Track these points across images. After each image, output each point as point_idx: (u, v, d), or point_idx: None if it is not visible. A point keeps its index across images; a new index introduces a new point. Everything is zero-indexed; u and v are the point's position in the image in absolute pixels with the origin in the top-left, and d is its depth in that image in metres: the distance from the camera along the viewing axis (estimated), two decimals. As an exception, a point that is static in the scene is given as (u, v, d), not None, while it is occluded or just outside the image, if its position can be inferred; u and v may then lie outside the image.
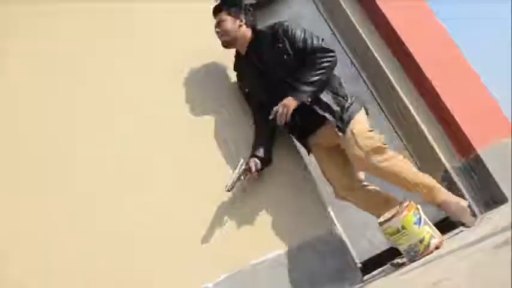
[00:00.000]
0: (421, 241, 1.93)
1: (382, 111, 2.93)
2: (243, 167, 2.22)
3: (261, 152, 2.26)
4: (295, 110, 2.15)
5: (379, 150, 2.06)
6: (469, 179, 2.66)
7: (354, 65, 3.02)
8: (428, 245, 1.92)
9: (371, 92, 2.96)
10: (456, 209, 2.07)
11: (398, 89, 2.84)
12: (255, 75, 2.32)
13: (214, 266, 2.16)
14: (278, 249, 2.23)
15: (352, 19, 2.99)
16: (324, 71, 2.14)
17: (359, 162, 2.10)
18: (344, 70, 2.95)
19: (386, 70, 2.89)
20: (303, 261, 2.22)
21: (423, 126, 2.77)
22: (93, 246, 2.13)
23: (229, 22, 2.32)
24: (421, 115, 2.80)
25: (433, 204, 2.13)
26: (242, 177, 2.21)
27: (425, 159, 2.79)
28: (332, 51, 2.19)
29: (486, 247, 1.31)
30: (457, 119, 2.68)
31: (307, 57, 2.17)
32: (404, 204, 1.98)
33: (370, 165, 2.07)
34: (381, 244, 2.64)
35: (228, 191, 2.18)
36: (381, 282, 1.91)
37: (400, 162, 2.11)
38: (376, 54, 2.93)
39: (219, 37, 2.36)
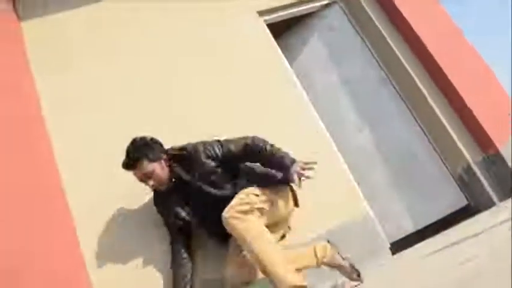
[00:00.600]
0: None
1: (409, 110, 3.22)
2: None
3: None
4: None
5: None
6: (489, 172, 2.96)
7: (382, 69, 3.32)
8: None
9: (398, 93, 3.26)
10: None
11: (424, 90, 3.15)
12: (181, 206, 2.28)
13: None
14: (315, 231, 2.50)
15: (380, 28, 3.32)
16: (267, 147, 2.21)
17: None
18: (375, 72, 3.29)
19: (411, 72, 3.20)
20: (338, 243, 2.50)
21: (446, 124, 3.08)
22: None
23: (158, 169, 2.22)
24: (444, 113, 3.10)
25: None
26: None
27: (448, 154, 3.08)
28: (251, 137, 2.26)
29: (504, 230, 1.56)
30: (477, 117, 2.97)
31: (245, 157, 2.23)
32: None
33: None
34: (407, 227, 2.95)
35: None
36: (409, 261, 2.16)
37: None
38: (401, 59, 3.24)
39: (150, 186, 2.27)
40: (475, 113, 3.00)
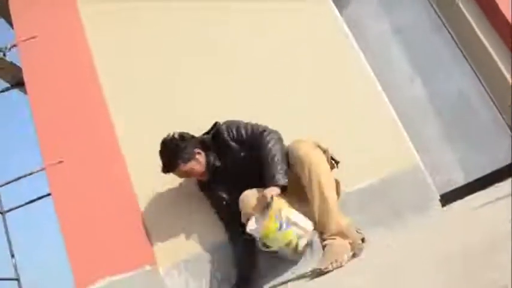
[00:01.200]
0: (287, 244, 2.01)
1: (465, 58, 3.08)
2: None
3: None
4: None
5: None
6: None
7: (437, 14, 3.16)
8: (296, 247, 2.01)
9: (453, 39, 3.12)
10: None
11: (482, 36, 2.99)
12: (225, 190, 2.36)
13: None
14: (366, 180, 2.56)
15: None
16: (278, 147, 2.18)
17: None
18: (428, 19, 3.15)
19: (468, 17, 3.04)
20: (388, 193, 2.56)
21: (505, 72, 2.92)
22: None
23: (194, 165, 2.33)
24: (503, 61, 2.94)
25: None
26: None
27: (505, 104, 2.95)
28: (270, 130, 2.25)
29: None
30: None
31: (256, 144, 2.21)
32: (266, 212, 1.99)
33: None
34: (458, 179, 2.92)
35: None
36: (459, 213, 2.16)
37: None
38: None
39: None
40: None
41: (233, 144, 2.29)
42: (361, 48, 3.00)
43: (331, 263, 1.85)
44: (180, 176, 2.40)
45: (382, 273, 1.24)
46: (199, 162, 2.33)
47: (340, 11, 3.14)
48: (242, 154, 2.28)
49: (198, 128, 2.49)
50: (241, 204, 2.17)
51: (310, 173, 2.02)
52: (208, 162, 2.35)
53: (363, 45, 3.06)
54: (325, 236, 2.01)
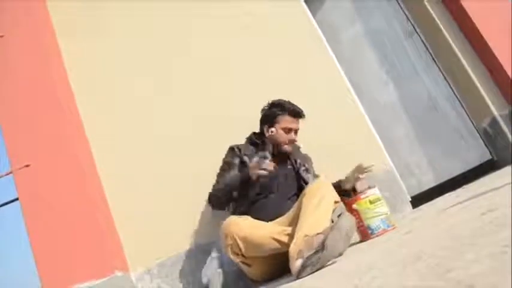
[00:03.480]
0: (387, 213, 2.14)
1: (435, 63, 3.15)
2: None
3: None
4: None
5: None
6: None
7: (409, 21, 3.23)
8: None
9: (424, 45, 3.18)
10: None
11: (451, 42, 3.06)
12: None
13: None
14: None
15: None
16: None
17: None
18: (401, 25, 3.21)
19: (439, 23, 3.11)
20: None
21: (473, 76, 3.00)
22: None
23: None
24: (471, 66, 3.01)
25: None
26: None
27: (474, 107, 3.03)
28: None
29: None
30: (505, 69, 2.89)
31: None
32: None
33: None
34: (429, 182, 2.97)
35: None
36: (429, 214, 2.19)
37: None
38: (429, 9, 3.14)
39: (289, 144, 2.42)
40: (503, 64, 2.92)
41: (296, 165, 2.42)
42: (334, 52, 3.03)
43: None
44: (294, 129, 2.45)
45: (352, 272, 1.25)
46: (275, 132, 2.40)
47: (314, 15, 3.17)
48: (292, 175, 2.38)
49: (176, 129, 2.48)
50: None
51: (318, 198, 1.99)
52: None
53: (336, 49, 3.09)
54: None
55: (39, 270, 2.30)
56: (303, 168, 2.43)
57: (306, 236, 1.77)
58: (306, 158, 2.52)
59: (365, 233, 2.15)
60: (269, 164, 2.14)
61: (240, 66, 2.86)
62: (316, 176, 2.41)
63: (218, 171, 2.40)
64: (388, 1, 3.29)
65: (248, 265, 2.12)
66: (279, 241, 2.00)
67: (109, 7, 3.01)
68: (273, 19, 2.97)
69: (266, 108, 2.50)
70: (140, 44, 2.93)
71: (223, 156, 2.42)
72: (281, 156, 2.43)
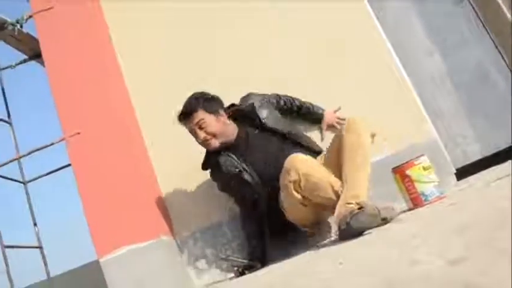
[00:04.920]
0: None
1: (486, 30, 3.01)
2: (245, 263, 2.28)
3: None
4: None
5: None
6: None
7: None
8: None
9: (474, 11, 3.04)
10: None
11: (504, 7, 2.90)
12: (243, 157, 2.29)
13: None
14: (384, 153, 2.56)
15: None
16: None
17: None
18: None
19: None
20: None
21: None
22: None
23: (213, 120, 2.29)
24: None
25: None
26: (236, 268, 2.28)
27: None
28: None
29: None
30: None
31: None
32: None
33: None
34: (475, 154, 2.90)
35: (222, 259, 2.38)
36: (474, 187, 2.18)
37: None
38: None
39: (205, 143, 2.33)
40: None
41: (265, 114, 2.34)
42: (379, 20, 2.95)
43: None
44: (191, 130, 2.32)
45: (399, 242, 1.26)
46: (218, 122, 2.29)
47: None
48: (268, 125, 2.32)
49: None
50: None
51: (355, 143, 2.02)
52: (239, 128, 2.36)
53: (381, 17, 3.01)
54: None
55: (92, 232, 2.45)
56: (265, 112, 2.36)
57: (348, 204, 1.81)
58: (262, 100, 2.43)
59: (418, 200, 2.13)
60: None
61: (291, 34, 2.82)
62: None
63: None
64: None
65: (304, 205, 2.08)
66: (333, 189, 1.98)
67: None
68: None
69: None
70: (188, 15, 2.92)
71: None
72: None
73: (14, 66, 3.43)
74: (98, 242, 2.45)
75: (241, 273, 2.22)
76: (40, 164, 3.41)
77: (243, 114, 2.36)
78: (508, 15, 2.91)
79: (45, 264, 3.33)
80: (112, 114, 2.64)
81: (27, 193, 3.33)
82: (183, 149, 2.65)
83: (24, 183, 3.34)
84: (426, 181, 2.13)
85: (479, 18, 3.04)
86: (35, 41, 3.20)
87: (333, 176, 2.04)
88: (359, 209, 1.76)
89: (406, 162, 2.21)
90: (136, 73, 2.86)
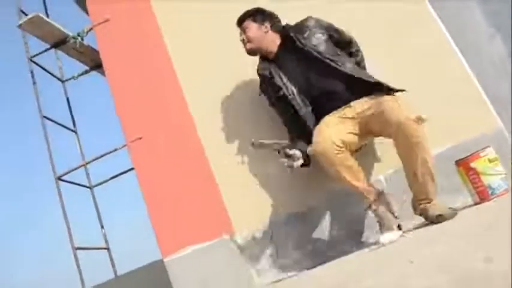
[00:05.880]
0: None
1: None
2: (283, 145, 2.25)
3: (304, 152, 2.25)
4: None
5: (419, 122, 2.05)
6: None
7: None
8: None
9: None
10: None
11: None
12: (290, 71, 2.36)
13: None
14: (446, 145, 2.48)
15: None
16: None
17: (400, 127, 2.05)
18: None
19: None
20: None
21: None
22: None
23: (254, 29, 2.44)
24: None
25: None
26: (277, 151, 2.26)
27: None
28: None
29: None
30: None
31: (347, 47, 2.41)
32: None
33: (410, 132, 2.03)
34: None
35: (252, 144, 2.22)
36: None
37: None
38: None
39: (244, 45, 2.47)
40: None
41: (318, 32, 2.36)
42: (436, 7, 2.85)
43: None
44: (239, 34, 2.50)
45: (470, 235, 1.22)
46: (259, 30, 2.44)
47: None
48: (321, 39, 2.35)
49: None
50: None
51: (417, 148, 2.04)
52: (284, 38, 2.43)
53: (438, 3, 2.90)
54: (422, 202, 2.08)
55: (156, 232, 2.54)
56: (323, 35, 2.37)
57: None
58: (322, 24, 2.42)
59: (484, 194, 2.06)
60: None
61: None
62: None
63: None
64: None
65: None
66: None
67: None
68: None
69: None
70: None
71: None
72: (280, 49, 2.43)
73: (77, 78, 3.63)
74: (162, 242, 2.54)
75: (287, 156, 2.22)
76: (105, 167, 3.58)
77: (286, 34, 2.42)
78: None
79: (113, 264, 3.50)
80: (170, 118, 2.73)
81: (93, 197, 3.51)
82: (240, 148, 2.69)
83: (90, 187, 3.52)
84: (492, 173, 2.04)
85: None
86: (95, 52, 3.36)
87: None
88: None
89: (471, 154, 2.12)
90: (190, 76, 2.91)
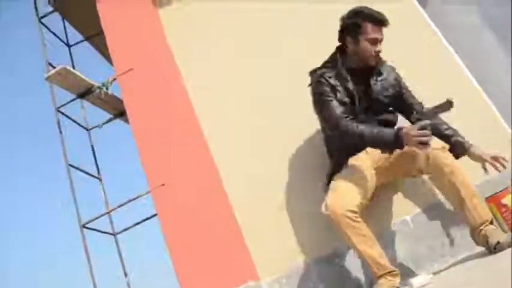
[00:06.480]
0: None
1: None
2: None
3: None
4: None
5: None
6: None
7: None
8: None
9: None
10: None
11: None
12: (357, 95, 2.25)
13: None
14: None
15: None
16: None
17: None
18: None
19: None
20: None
21: None
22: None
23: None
24: None
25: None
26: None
27: None
28: None
29: None
30: None
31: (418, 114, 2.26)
32: None
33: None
34: None
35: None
36: None
37: None
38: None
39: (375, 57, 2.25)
40: None
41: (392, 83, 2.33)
42: (450, 44, 2.86)
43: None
44: (375, 38, 2.23)
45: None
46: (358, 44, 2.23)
47: (423, 7, 3.02)
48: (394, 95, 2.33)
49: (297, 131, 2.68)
50: None
51: (453, 175, 2.04)
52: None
53: (452, 41, 2.92)
54: (481, 227, 2.01)
55: (180, 281, 2.51)
56: (405, 91, 2.36)
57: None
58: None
59: None
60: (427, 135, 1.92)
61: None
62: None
63: (319, 103, 2.27)
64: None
65: None
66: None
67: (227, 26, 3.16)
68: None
69: (346, 17, 2.27)
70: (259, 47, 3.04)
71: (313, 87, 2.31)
72: (364, 72, 2.27)
73: (101, 126, 3.72)
74: (186, 289, 2.50)
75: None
76: (129, 214, 3.60)
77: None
78: None
79: (137, 312, 3.44)
80: (193, 164, 2.75)
81: (117, 244, 3.51)
82: (262, 193, 2.67)
83: (114, 234, 3.53)
84: None
85: None
86: (118, 100, 3.45)
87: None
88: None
89: (500, 190, 2.06)
90: (213, 122, 2.95)
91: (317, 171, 2.60)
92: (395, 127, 2.21)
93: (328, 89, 2.23)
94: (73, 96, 3.52)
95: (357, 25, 2.21)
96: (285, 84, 2.88)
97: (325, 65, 2.36)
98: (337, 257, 2.50)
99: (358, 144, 2.23)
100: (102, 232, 3.39)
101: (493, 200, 2.08)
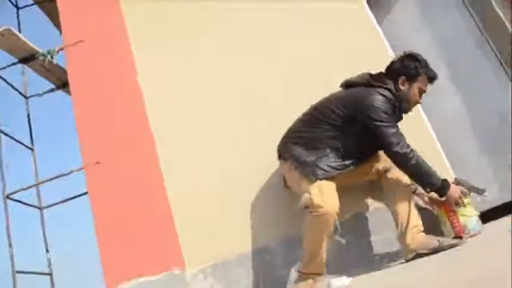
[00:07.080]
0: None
1: (506, 72, 3.00)
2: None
3: None
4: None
5: None
6: None
7: (479, 27, 3.08)
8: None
9: (495, 54, 3.03)
10: None
11: None
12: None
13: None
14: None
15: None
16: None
17: None
18: (470, 31, 3.07)
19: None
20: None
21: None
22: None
23: None
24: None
25: None
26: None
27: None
28: None
29: None
30: None
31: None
32: None
33: None
34: (495, 199, 2.82)
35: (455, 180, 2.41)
36: (496, 233, 2.10)
37: None
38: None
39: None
40: None
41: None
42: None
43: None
44: (422, 90, 2.43)
45: None
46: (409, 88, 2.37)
47: (379, 22, 3.11)
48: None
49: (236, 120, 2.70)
50: None
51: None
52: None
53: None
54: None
55: (103, 261, 2.44)
56: None
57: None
58: None
59: (460, 232, 2.30)
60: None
61: (301, 65, 2.87)
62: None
63: (384, 120, 2.28)
64: (457, 8, 3.15)
65: None
66: None
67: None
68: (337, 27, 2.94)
69: (407, 59, 2.39)
70: (212, 42, 3.00)
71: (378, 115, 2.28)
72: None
73: (42, 95, 3.55)
74: (108, 272, 2.44)
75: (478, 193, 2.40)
76: (59, 190, 3.46)
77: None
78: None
79: (54, 291, 3.32)
80: (131, 145, 2.68)
81: (42, 219, 3.37)
82: (200, 180, 2.66)
83: (40, 208, 3.38)
84: (471, 215, 2.34)
85: (499, 59, 3.01)
86: (63, 71, 3.31)
87: None
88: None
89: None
90: (159, 105, 2.89)
91: (256, 163, 2.63)
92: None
93: (392, 112, 2.32)
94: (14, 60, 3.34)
95: (417, 73, 2.35)
96: (227, 71, 2.90)
97: (384, 87, 2.36)
98: (264, 251, 2.54)
99: (404, 168, 2.31)
100: (27, 205, 3.24)
101: (444, 206, 2.36)
